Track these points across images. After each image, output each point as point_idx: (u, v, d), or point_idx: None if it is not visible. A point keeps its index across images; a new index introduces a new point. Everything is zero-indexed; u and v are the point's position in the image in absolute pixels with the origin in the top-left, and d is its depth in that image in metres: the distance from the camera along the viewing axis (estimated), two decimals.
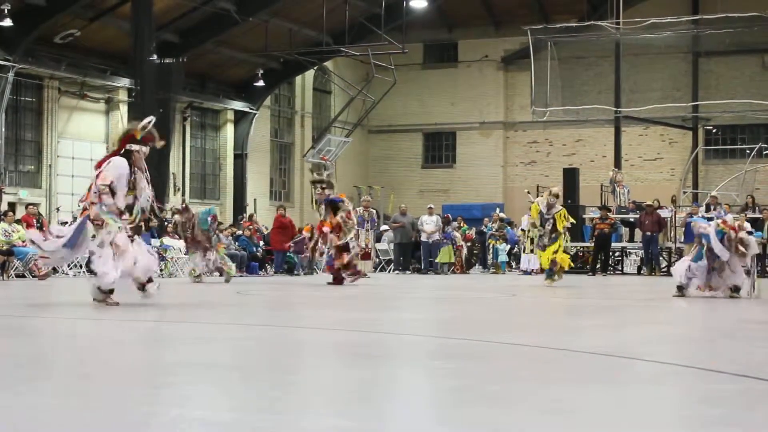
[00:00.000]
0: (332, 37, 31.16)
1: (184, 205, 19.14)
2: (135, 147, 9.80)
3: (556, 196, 16.60)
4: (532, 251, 22.36)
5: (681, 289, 12.49)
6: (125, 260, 9.52)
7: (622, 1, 29.58)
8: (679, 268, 12.75)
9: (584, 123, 33.71)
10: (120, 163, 9.77)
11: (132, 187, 9.81)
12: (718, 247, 12.09)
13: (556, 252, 16.05)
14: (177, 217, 18.38)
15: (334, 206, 16.00)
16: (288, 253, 24.34)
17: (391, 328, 8.10)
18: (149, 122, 9.92)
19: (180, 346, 6.56)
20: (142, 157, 9.84)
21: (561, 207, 16.66)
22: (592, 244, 24.42)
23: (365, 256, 21.96)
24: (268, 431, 3.45)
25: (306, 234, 16.84)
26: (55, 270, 20.35)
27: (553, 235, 16.05)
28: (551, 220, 16.11)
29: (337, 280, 16.09)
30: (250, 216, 27.62)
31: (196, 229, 17.43)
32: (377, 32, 30.31)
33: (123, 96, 27.72)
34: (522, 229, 25.82)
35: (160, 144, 10.09)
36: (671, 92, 33.85)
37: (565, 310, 11.32)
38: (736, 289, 12.34)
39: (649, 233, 23.65)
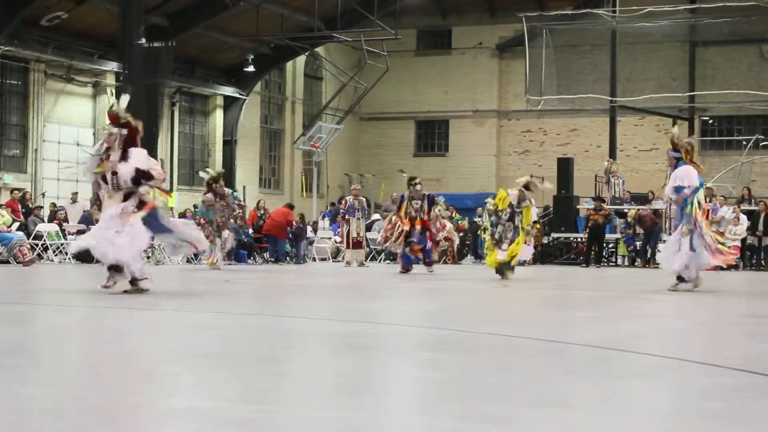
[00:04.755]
0: (324, 23, 30.77)
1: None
2: (114, 129, 9.55)
3: (525, 187, 15.06)
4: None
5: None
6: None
7: None
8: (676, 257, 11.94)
9: (579, 112, 33.40)
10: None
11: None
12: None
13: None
14: (209, 196, 18.79)
15: (431, 202, 17.40)
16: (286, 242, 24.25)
17: (382, 318, 8.07)
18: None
19: (168, 335, 6.55)
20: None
21: (530, 202, 15.10)
22: (586, 235, 24.25)
23: (357, 244, 21.84)
24: (255, 421, 3.43)
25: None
26: (39, 256, 20.01)
27: (515, 231, 14.75)
28: (519, 215, 14.87)
29: (405, 269, 17.06)
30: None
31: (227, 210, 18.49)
32: (370, 18, 30.01)
33: (110, 80, 27.34)
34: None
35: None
36: (667, 82, 33.51)
37: (558, 301, 11.29)
38: (679, 279, 11.76)
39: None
